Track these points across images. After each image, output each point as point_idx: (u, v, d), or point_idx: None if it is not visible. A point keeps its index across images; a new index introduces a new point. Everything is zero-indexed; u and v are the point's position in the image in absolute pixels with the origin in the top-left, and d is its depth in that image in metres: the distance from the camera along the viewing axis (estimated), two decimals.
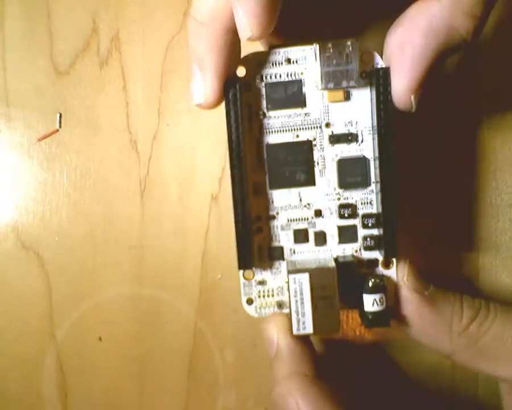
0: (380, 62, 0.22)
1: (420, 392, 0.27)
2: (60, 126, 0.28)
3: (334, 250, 0.23)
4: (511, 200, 0.26)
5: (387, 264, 0.23)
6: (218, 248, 0.27)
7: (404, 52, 0.20)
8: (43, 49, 0.27)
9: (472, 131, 0.27)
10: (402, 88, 0.20)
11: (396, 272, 0.23)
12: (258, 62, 0.22)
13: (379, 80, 0.21)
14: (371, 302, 0.21)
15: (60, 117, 0.27)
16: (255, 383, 0.27)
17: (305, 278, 0.21)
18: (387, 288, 0.21)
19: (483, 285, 0.27)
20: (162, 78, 0.27)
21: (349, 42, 0.21)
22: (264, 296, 0.23)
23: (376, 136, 0.22)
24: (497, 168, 0.27)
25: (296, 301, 0.21)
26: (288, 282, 0.21)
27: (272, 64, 0.22)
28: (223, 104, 0.21)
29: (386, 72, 0.21)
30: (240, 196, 0.22)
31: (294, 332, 0.21)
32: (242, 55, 0.22)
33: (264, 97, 0.23)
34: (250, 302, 0.23)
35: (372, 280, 0.21)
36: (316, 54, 0.22)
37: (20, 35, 0.28)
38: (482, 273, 0.27)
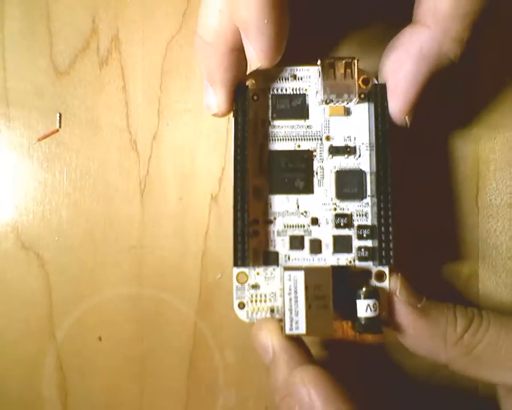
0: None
1: (420, 391, 0.27)
2: (60, 126, 0.28)
3: (328, 259, 0.23)
4: (511, 200, 0.26)
5: (380, 276, 0.23)
6: (218, 248, 0.27)
7: (397, 77, 0.22)
8: (43, 49, 0.27)
9: (472, 131, 0.27)
10: (397, 110, 0.22)
11: (389, 285, 0.23)
12: (266, 76, 0.24)
13: (377, 95, 0.22)
14: (364, 307, 0.21)
15: (60, 117, 0.28)
16: (255, 383, 0.27)
17: (300, 275, 0.21)
18: (380, 296, 0.22)
19: (483, 285, 0.27)
20: (162, 78, 0.27)
21: (349, 59, 0.22)
22: (256, 301, 0.23)
23: (373, 152, 0.23)
24: (497, 168, 0.27)
25: (290, 299, 0.21)
26: (283, 278, 0.21)
27: (280, 79, 0.24)
28: None
29: (383, 87, 0.22)
30: (241, 194, 0.22)
31: (287, 331, 0.21)
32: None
33: (270, 107, 0.24)
34: (241, 306, 0.23)
35: (366, 286, 0.22)
36: (319, 71, 0.23)
37: (19, 35, 0.28)
38: (482, 274, 0.27)
